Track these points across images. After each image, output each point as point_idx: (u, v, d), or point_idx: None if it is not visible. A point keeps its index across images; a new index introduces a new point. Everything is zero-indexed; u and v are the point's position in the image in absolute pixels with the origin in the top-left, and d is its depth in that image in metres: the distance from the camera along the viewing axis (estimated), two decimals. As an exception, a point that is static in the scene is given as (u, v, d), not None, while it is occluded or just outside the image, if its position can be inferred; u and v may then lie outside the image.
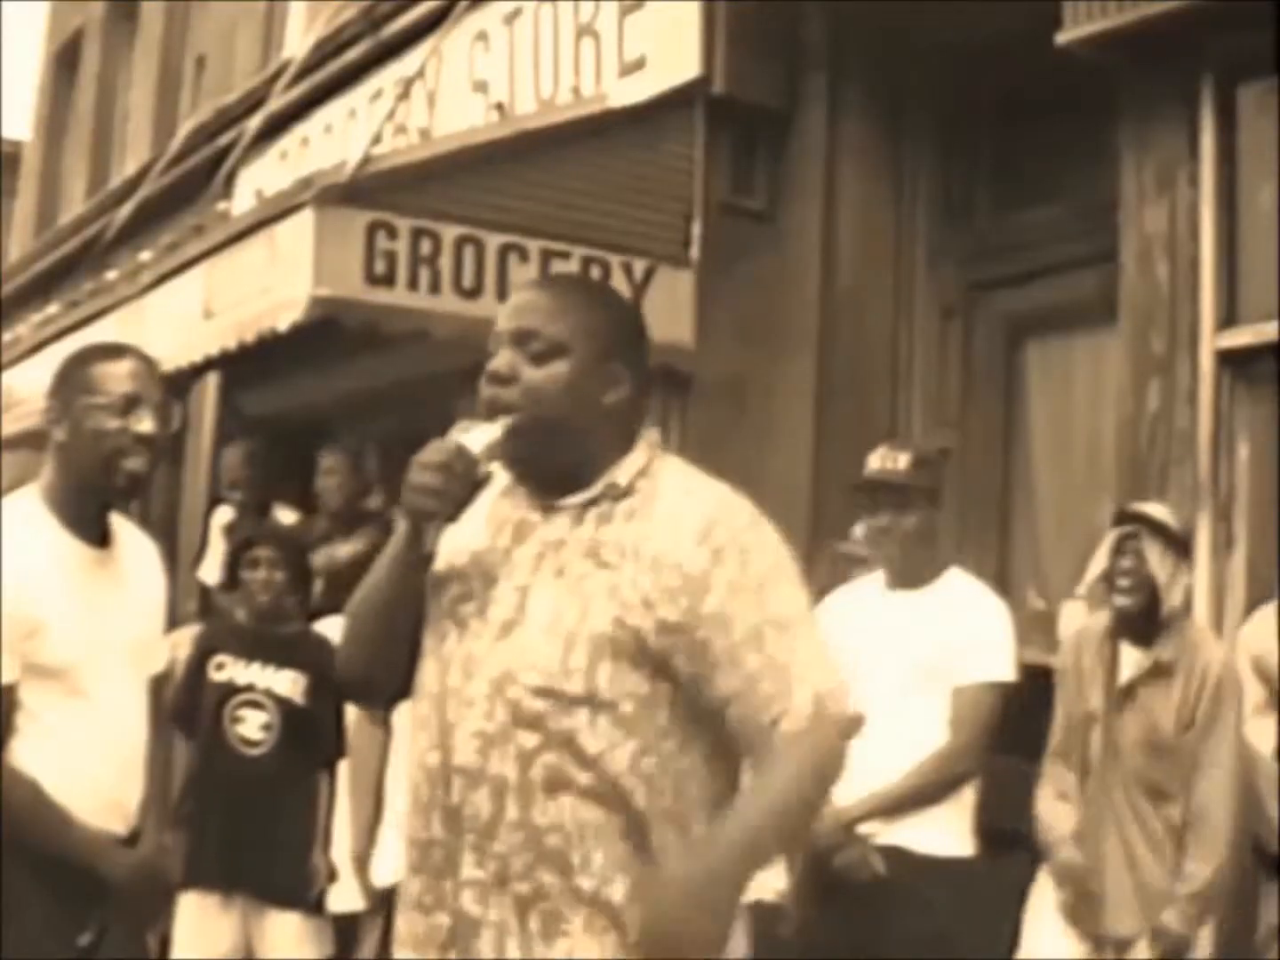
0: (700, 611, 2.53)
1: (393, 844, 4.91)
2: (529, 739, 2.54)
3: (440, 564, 2.67)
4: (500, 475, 2.67)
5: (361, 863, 5.25)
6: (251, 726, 5.55)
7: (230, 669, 5.64)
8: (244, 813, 5.45)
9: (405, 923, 2.66)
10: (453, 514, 2.59)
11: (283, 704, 5.56)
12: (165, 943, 5.41)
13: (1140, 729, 4.73)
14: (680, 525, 2.56)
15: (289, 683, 5.58)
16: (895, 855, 4.74)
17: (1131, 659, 4.81)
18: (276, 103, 9.97)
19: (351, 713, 5.52)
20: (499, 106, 8.28)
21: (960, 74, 6.36)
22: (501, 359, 2.62)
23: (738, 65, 7.23)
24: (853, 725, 2.62)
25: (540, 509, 2.64)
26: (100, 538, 3.38)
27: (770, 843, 2.59)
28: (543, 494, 2.65)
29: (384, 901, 5.02)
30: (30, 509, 3.33)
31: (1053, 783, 4.87)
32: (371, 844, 5.26)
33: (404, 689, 2.71)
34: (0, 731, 3.20)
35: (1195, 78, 5.64)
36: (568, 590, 2.57)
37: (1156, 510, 4.91)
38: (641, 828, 2.54)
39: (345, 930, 5.61)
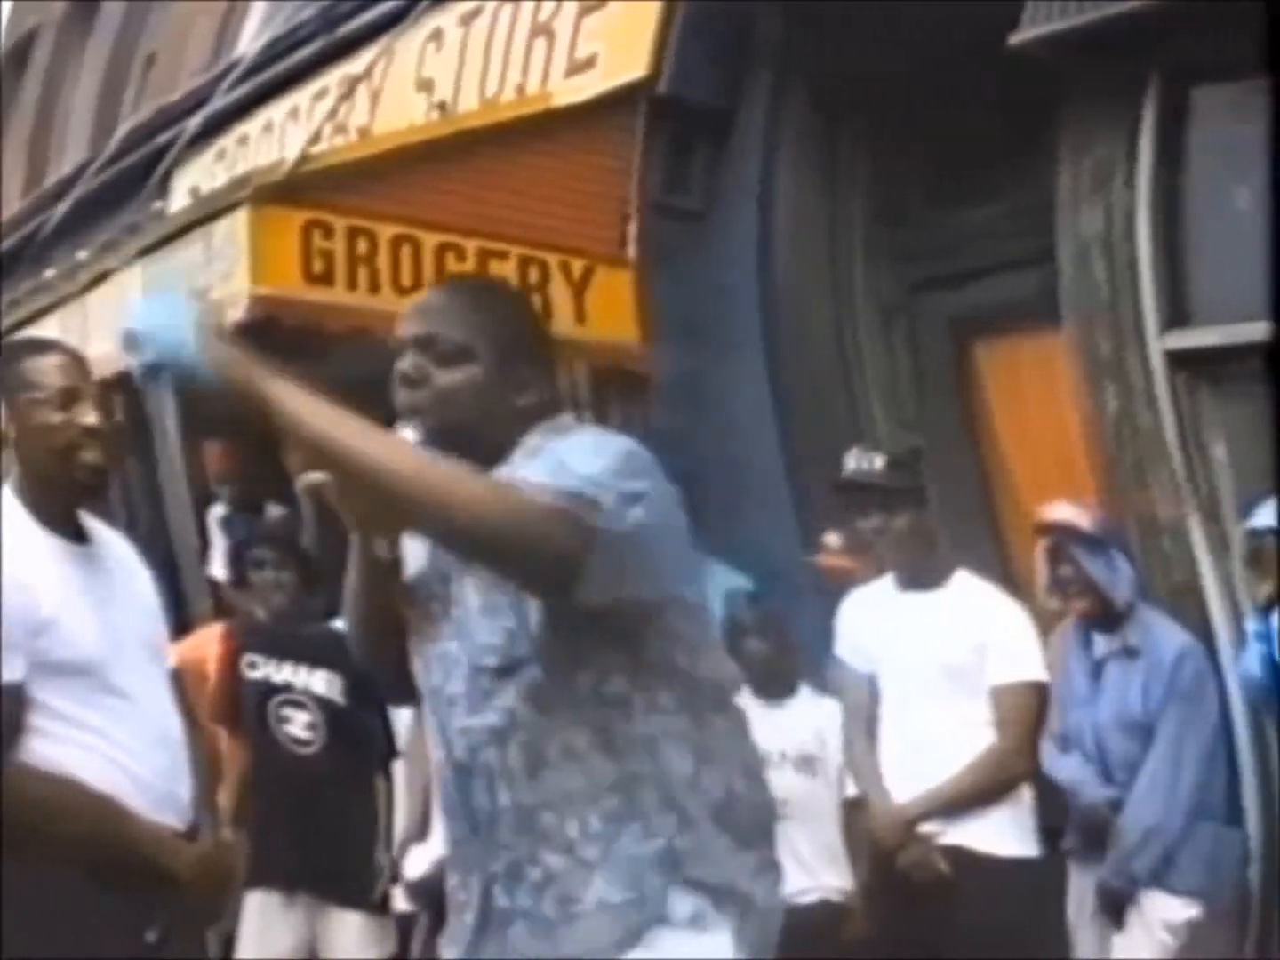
0: None
1: (435, 840, 4.95)
2: (497, 719, 2.55)
3: (410, 565, 2.71)
4: None
5: (401, 858, 5.34)
6: (298, 726, 5.57)
7: (263, 668, 5.64)
8: (303, 811, 5.47)
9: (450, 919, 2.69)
10: None
11: (324, 704, 5.58)
12: (229, 941, 5.46)
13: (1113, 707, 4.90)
14: (553, 460, 2.53)
15: (325, 683, 5.58)
16: (959, 855, 4.84)
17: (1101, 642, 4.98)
18: (219, 101, 9.83)
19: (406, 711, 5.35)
20: (440, 106, 8.18)
21: (902, 75, 6.34)
22: (407, 361, 2.63)
23: (686, 64, 7.17)
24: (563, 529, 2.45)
25: None
26: (76, 535, 3.30)
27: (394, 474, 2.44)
28: None
29: (425, 896, 5.12)
30: (8, 507, 3.26)
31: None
32: (420, 839, 5.29)
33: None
34: (11, 730, 3.09)
35: (1142, 78, 5.61)
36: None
37: (1066, 513, 5.01)
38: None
39: (409, 928, 5.63)
